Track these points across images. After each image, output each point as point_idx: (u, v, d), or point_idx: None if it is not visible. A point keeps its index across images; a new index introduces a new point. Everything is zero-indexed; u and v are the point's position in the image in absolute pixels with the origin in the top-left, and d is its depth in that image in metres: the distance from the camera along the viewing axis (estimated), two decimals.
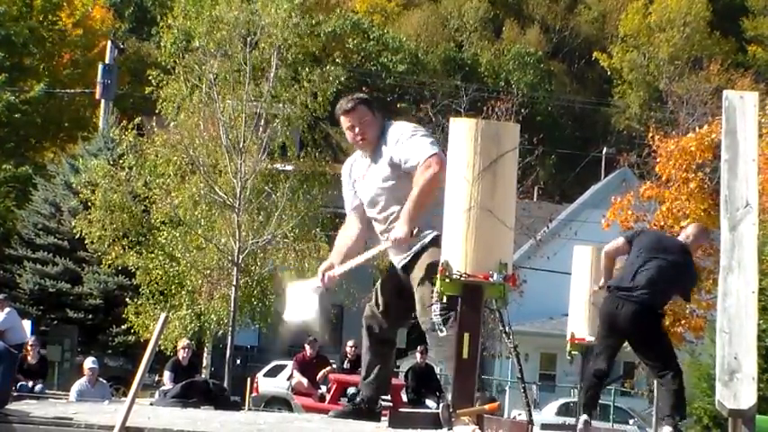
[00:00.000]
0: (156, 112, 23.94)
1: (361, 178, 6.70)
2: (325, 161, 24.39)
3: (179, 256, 23.16)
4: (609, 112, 68.84)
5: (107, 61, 35.83)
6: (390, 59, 66.07)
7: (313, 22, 24.44)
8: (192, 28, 22.81)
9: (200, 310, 23.46)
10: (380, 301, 6.77)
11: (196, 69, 22.79)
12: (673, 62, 62.42)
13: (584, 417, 8.48)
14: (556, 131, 61.91)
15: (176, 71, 22.91)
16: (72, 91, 42.15)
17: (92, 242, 24.13)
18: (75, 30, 44.88)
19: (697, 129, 24.56)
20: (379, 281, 6.88)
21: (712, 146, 22.72)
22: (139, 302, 24.08)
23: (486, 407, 5.78)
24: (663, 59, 64.92)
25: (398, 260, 6.56)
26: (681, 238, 9.18)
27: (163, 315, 5.59)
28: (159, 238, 23.42)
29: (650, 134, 24.32)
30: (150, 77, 23.27)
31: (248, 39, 22.84)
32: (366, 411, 6.71)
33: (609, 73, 70.08)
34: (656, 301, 8.68)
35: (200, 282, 23.31)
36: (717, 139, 21.77)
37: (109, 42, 38.12)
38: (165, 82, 22.98)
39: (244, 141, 22.63)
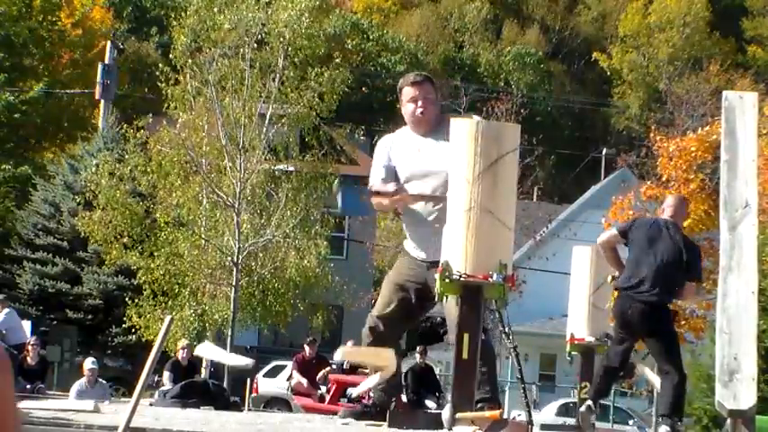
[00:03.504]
0: (164, 110, 23.97)
1: (414, 152, 6.51)
2: (328, 162, 24.41)
3: (184, 254, 23.14)
4: (608, 113, 68.84)
5: (106, 61, 35.80)
6: (390, 59, 66.09)
7: (323, 26, 24.48)
8: (206, 28, 22.83)
9: (203, 310, 23.45)
10: (393, 302, 6.59)
11: (204, 69, 22.76)
12: (672, 62, 62.44)
13: (588, 402, 8.46)
14: (555, 132, 61.92)
15: (184, 70, 22.93)
16: (72, 91, 42.10)
17: (95, 240, 24.14)
18: (74, 30, 44.84)
19: (699, 129, 24.57)
20: (390, 283, 6.68)
21: (713, 146, 22.71)
22: (140, 304, 24.05)
23: (487, 413, 5.76)
24: (663, 60, 64.93)
25: (424, 255, 6.45)
26: (666, 215, 9.02)
27: (168, 317, 5.57)
28: (162, 238, 23.41)
29: (651, 134, 24.33)
30: (160, 74, 23.29)
31: (249, 40, 22.82)
32: (375, 414, 6.68)
33: (608, 73, 70.09)
34: (664, 295, 8.61)
35: (202, 282, 23.32)
36: (717, 140, 21.77)
37: (108, 42, 38.08)
38: (173, 80, 23.02)
39: (244, 141, 22.64)
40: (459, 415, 5.62)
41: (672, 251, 8.58)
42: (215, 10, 22.94)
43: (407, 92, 6.57)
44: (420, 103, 6.50)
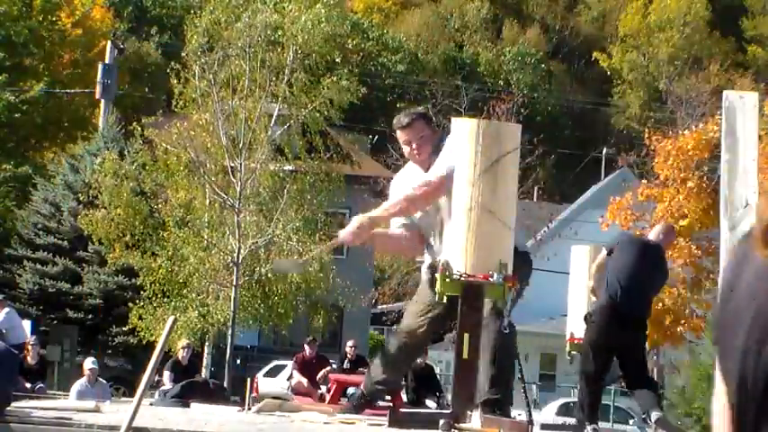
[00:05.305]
0: (172, 108, 23.97)
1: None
2: (334, 163, 24.43)
3: (189, 255, 23.10)
4: (609, 112, 68.84)
5: (107, 61, 35.80)
6: (390, 59, 66.10)
7: (337, 30, 24.42)
8: (219, 28, 22.86)
9: (206, 311, 23.43)
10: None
11: (208, 69, 22.76)
12: (672, 62, 62.45)
13: (591, 427, 8.49)
14: (556, 131, 61.90)
15: (193, 69, 22.94)
16: (72, 91, 42.10)
17: (98, 240, 24.13)
18: (74, 30, 44.85)
19: (693, 128, 24.57)
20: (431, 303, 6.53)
21: (710, 145, 22.71)
22: (141, 304, 24.02)
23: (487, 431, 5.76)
24: (663, 59, 64.92)
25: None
26: (652, 237, 9.16)
27: (171, 318, 5.57)
28: (165, 239, 23.37)
29: (647, 135, 24.33)
30: (170, 71, 23.32)
31: (261, 41, 22.80)
32: (365, 404, 6.76)
33: (609, 73, 70.09)
34: (642, 311, 8.74)
35: (206, 283, 23.28)
36: (713, 138, 21.77)
37: (109, 42, 38.09)
38: (184, 78, 23.05)
39: (244, 142, 22.62)
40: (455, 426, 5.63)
41: (653, 272, 8.71)
42: (228, 10, 22.96)
43: (399, 135, 6.64)
44: (414, 145, 6.53)
